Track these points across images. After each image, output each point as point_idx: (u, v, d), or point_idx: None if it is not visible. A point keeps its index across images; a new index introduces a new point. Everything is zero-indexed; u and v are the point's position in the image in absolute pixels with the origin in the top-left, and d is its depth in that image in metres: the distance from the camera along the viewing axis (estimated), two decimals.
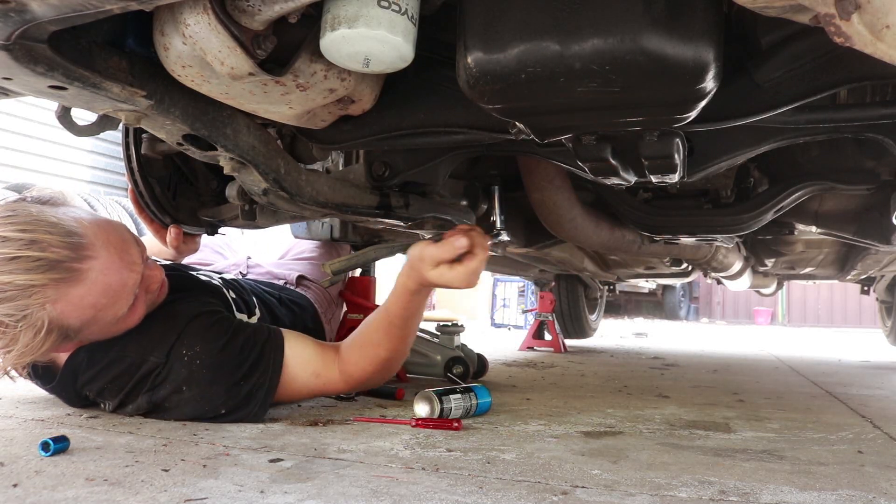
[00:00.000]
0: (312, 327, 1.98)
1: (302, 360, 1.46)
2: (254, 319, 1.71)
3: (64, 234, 1.23)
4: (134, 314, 1.37)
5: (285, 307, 1.90)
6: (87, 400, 1.44)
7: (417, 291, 1.42)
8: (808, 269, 3.38)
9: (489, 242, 1.70)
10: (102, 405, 1.43)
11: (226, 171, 1.28)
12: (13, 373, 1.34)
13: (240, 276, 2.05)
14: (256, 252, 2.26)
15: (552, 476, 1.08)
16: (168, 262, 1.72)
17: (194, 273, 1.72)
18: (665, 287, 12.81)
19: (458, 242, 1.32)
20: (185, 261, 1.92)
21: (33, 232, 1.20)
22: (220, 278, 1.77)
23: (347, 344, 1.51)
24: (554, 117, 1.03)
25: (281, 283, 2.08)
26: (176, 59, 0.94)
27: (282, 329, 1.50)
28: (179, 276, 1.59)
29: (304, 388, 1.48)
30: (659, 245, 2.41)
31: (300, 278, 2.11)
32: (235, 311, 1.65)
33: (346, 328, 2.11)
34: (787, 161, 1.76)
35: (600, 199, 2.07)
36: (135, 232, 1.43)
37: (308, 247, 2.28)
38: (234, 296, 1.69)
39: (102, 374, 1.37)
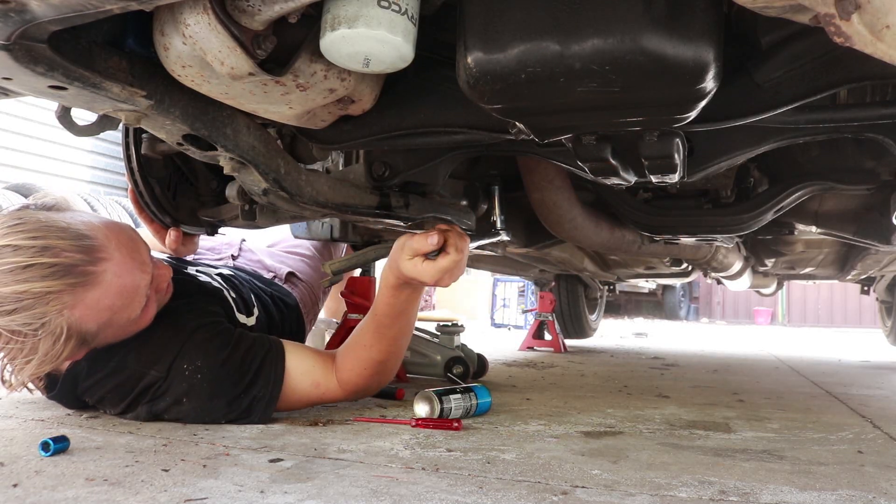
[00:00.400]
0: (296, 328, 1.98)
1: (302, 370, 1.45)
2: (252, 319, 1.71)
3: (75, 238, 1.22)
4: (146, 315, 1.37)
5: (275, 305, 1.90)
6: (87, 405, 1.45)
7: (398, 286, 1.40)
8: (808, 269, 3.38)
9: (486, 242, 1.70)
10: (103, 411, 1.44)
11: (226, 171, 1.28)
12: (31, 385, 1.31)
13: (230, 260, 2.04)
14: (250, 235, 2.24)
15: (552, 476, 1.08)
16: (167, 259, 1.71)
17: (194, 273, 1.72)
18: (665, 287, 12.80)
19: (430, 237, 1.32)
20: None
21: (44, 238, 1.19)
22: (219, 275, 1.77)
23: (341, 350, 1.51)
24: (554, 117, 1.03)
25: (270, 276, 2.07)
26: (176, 59, 0.94)
27: (282, 340, 1.50)
28: (181, 281, 1.58)
29: (303, 399, 1.48)
30: (659, 245, 2.41)
31: (290, 275, 2.11)
32: (236, 312, 1.65)
33: (345, 328, 2.11)
34: (787, 161, 1.76)
35: (600, 199, 2.07)
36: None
37: (303, 242, 2.27)
38: (233, 295, 1.69)
39: (102, 384, 1.37)
